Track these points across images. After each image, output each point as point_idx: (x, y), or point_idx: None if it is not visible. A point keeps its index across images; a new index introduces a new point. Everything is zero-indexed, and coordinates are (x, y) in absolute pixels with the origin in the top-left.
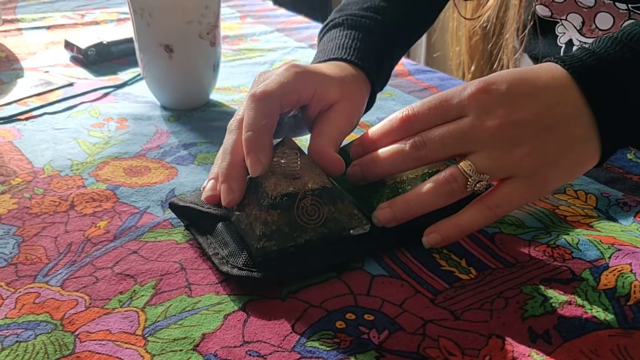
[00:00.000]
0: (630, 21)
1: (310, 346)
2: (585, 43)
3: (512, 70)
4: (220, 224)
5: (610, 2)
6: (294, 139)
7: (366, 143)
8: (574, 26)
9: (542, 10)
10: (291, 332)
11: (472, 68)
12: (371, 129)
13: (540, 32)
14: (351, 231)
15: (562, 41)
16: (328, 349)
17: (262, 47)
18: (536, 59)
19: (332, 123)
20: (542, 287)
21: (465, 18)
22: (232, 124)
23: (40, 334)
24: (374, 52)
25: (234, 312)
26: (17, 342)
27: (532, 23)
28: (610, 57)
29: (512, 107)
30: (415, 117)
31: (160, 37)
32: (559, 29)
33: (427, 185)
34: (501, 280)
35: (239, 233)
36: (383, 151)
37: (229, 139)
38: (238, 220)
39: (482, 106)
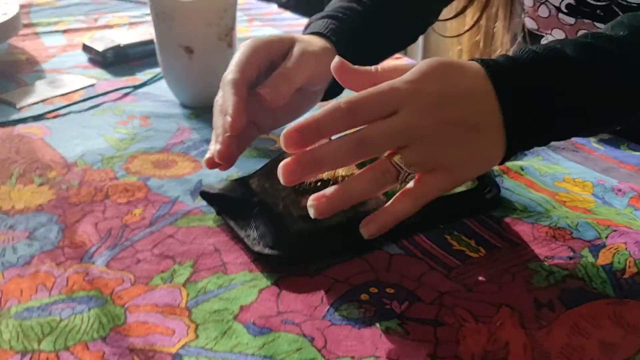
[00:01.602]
0: None
1: (339, 315)
2: None
3: (441, 69)
4: (251, 209)
5: (590, 21)
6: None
7: (308, 133)
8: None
9: (529, 23)
10: (321, 304)
11: None
12: (314, 117)
13: (531, 43)
14: None
15: None
16: (355, 316)
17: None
18: None
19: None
20: (546, 263)
21: (445, 36)
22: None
23: (93, 307)
24: (345, 29)
25: (267, 287)
26: (73, 314)
27: (522, 34)
28: (523, 61)
29: (443, 110)
30: (359, 108)
31: (181, 39)
32: (543, 42)
33: (363, 175)
34: (508, 257)
35: (268, 216)
36: (326, 147)
37: (217, 120)
38: (275, 204)
39: (417, 105)
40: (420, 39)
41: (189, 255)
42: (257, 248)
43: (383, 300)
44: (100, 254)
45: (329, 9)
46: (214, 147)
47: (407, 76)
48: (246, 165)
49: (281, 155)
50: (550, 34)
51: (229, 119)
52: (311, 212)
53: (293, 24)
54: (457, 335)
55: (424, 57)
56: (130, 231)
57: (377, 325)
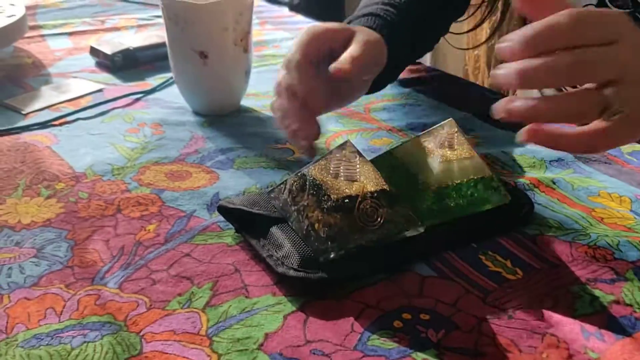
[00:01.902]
0: None
1: (371, 345)
2: None
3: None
4: (273, 227)
5: None
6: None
7: (533, 40)
8: None
9: None
10: (351, 332)
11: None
12: (532, 26)
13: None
14: (406, 233)
15: None
16: (389, 347)
17: (285, 54)
18: None
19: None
20: (589, 287)
21: (460, 48)
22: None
23: (106, 335)
24: (388, 25)
25: (292, 312)
26: (84, 342)
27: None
28: None
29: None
30: (584, 24)
31: (195, 44)
32: None
33: (565, 97)
34: (548, 280)
35: (292, 235)
36: (540, 60)
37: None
38: (297, 221)
39: (628, 32)
40: None
41: (208, 276)
42: (280, 269)
43: (418, 327)
44: (112, 274)
45: (364, 10)
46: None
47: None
48: (264, 177)
49: (302, 172)
50: None
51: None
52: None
53: (304, 27)
54: None
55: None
56: (144, 249)
57: (414, 355)
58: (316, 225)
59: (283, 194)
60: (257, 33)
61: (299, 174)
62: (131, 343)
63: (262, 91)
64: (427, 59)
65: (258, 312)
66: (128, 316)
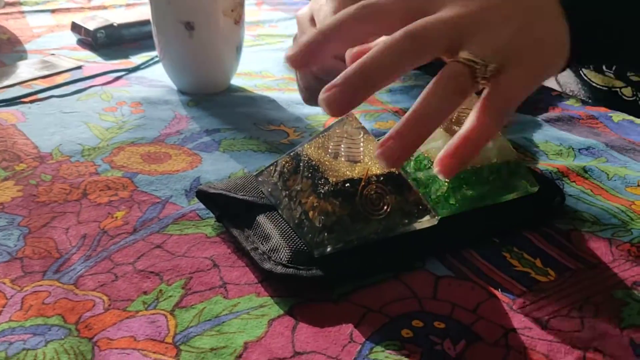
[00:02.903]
0: None
1: (374, 358)
2: None
3: None
4: (260, 216)
5: None
6: None
7: (313, 49)
8: None
9: None
10: (350, 342)
11: None
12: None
13: None
14: (416, 224)
15: None
16: None
17: (282, 33)
18: None
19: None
20: (636, 292)
21: None
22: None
23: (51, 341)
24: None
25: (279, 316)
26: (23, 349)
27: None
28: None
29: None
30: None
31: (181, 14)
32: None
33: (430, 91)
34: (586, 283)
35: (281, 224)
36: (372, 54)
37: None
38: (289, 209)
39: None
40: None
41: (180, 272)
42: (267, 265)
43: (431, 338)
44: (68, 267)
45: None
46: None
47: None
48: (253, 162)
49: (296, 151)
50: None
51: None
52: (382, 163)
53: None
54: None
55: None
56: (108, 239)
57: None
58: (310, 213)
59: (273, 177)
60: (254, 13)
61: (292, 154)
62: (81, 351)
63: (255, 70)
64: None
65: (238, 316)
66: (81, 318)
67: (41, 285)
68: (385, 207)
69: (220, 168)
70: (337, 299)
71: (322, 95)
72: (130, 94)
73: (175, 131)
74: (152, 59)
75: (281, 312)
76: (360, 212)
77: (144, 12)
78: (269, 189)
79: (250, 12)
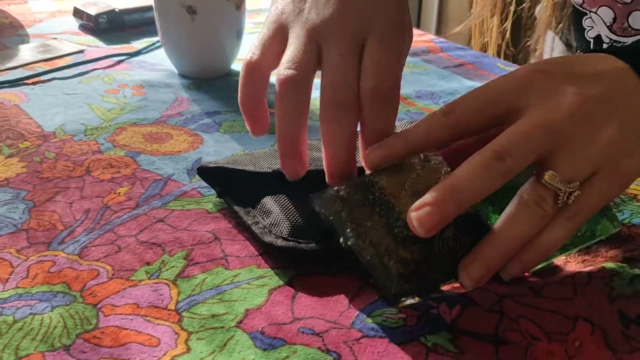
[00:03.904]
0: None
1: (372, 322)
2: (617, 42)
3: (558, 57)
4: (261, 193)
5: None
6: None
7: (394, 148)
8: (603, 21)
9: None
10: (348, 309)
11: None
12: (404, 130)
13: (569, 19)
14: None
15: (590, 35)
16: (394, 325)
17: None
18: (568, 46)
19: None
20: (627, 266)
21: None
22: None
23: (57, 306)
24: None
25: (279, 286)
26: (30, 314)
27: (568, 9)
28: None
29: (581, 84)
30: (462, 115)
31: None
32: (586, 22)
33: (515, 216)
34: (581, 256)
35: (282, 201)
36: (459, 175)
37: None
38: (357, 245)
39: (544, 89)
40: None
41: (182, 243)
42: (268, 238)
43: (428, 302)
44: (72, 239)
45: None
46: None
47: (511, 74)
48: (254, 143)
49: (363, 182)
50: (596, 12)
51: None
52: (465, 283)
53: None
54: (525, 358)
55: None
56: (111, 213)
57: (423, 340)
58: (385, 258)
59: (335, 204)
60: (254, 0)
61: (357, 182)
62: (86, 316)
63: None
64: (432, 26)
65: (239, 286)
66: (85, 286)
67: (46, 256)
68: (461, 251)
69: (221, 149)
70: (336, 272)
71: (412, 212)
72: (132, 77)
73: (177, 113)
74: (153, 44)
75: (281, 282)
76: (437, 257)
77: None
78: (330, 217)
79: (250, 0)
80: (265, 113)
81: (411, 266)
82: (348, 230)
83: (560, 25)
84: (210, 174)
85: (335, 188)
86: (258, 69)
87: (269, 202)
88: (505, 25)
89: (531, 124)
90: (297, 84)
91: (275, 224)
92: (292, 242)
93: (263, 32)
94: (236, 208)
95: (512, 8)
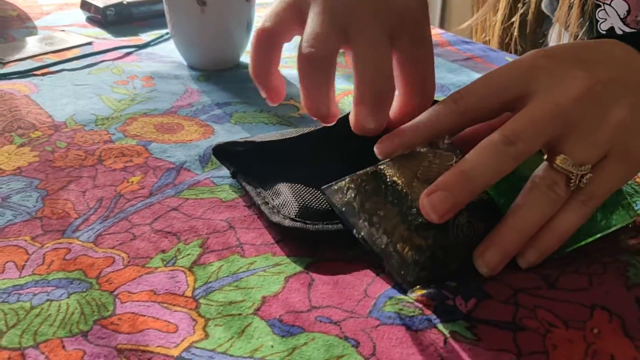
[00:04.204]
0: None
1: (389, 311)
2: None
3: (564, 43)
4: (273, 173)
5: None
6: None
7: (406, 137)
8: (617, 13)
9: None
10: (365, 297)
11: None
12: (414, 120)
13: (582, 11)
14: None
15: (602, 27)
16: (411, 314)
17: None
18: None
19: None
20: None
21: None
22: None
23: (73, 293)
24: None
25: (295, 274)
26: (47, 300)
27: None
28: None
29: (589, 67)
30: (471, 101)
31: None
32: (599, 14)
33: (528, 200)
34: (593, 249)
35: (292, 182)
36: (471, 160)
37: None
38: (370, 235)
39: (552, 72)
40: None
41: (197, 232)
42: (275, 218)
43: (444, 293)
44: (87, 227)
45: None
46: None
47: (518, 60)
48: (266, 133)
49: (376, 168)
50: (610, 4)
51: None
52: (482, 271)
53: None
54: (544, 345)
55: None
56: (125, 202)
57: (440, 327)
58: (399, 246)
59: (346, 195)
60: None
61: (369, 172)
62: (103, 303)
63: None
64: (435, 20)
65: (255, 273)
66: (101, 273)
67: (61, 243)
68: (476, 236)
69: (232, 139)
70: (352, 259)
71: (424, 198)
72: (141, 68)
73: (187, 104)
74: (161, 36)
75: (297, 270)
76: (452, 243)
77: None
78: (343, 208)
79: None
80: (279, 81)
81: (426, 253)
82: (361, 220)
83: (579, 21)
84: (225, 153)
85: (347, 179)
86: (270, 36)
87: (279, 183)
88: (513, 19)
89: (540, 109)
90: (319, 63)
91: (284, 204)
92: (299, 223)
93: (275, 3)
94: (248, 188)
95: (520, 5)
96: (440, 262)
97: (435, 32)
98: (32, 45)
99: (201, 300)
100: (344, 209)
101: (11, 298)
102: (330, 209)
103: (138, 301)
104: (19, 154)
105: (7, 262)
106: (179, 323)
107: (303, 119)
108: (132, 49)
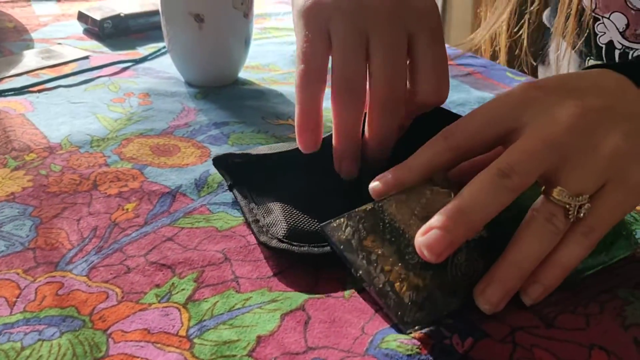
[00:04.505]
0: None
1: (386, 348)
2: (629, 48)
3: (555, 75)
4: (268, 190)
5: None
6: None
7: (395, 180)
8: (616, 27)
9: (587, 0)
10: (362, 334)
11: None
12: (414, 161)
13: (579, 21)
14: None
15: (602, 41)
16: (408, 352)
17: (288, 27)
18: (578, 53)
19: None
20: (638, 292)
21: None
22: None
23: (66, 332)
24: None
25: (291, 311)
26: (39, 340)
27: (586, 18)
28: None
29: (580, 96)
30: (463, 137)
31: (191, 5)
32: (598, 27)
33: (527, 234)
34: (592, 281)
35: (289, 197)
36: (467, 196)
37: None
38: (367, 273)
39: (543, 105)
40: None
41: (192, 265)
42: (263, 238)
43: (441, 330)
44: (80, 258)
45: None
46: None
47: (508, 93)
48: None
49: (372, 209)
50: (608, 18)
51: None
52: (483, 308)
53: None
54: None
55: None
56: (120, 231)
57: None
58: (397, 285)
59: (344, 232)
60: (260, 5)
61: (367, 209)
62: (95, 343)
63: (262, 63)
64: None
65: (250, 310)
66: (94, 310)
67: (54, 277)
68: (475, 274)
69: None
70: (349, 297)
71: (419, 237)
72: (138, 85)
73: (184, 123)
74: (158, 50)
75: (293, 306)
76: (450, 283)
77: (150, 3)
78: (341, 246)
79: (257, 4)
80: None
81: (423, 293)
82: (359, 258)
83: (576, 31)
84: (224, 164)
85: (346, 216)
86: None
87: (272, 199)
88: (520, 32)
89: (533, 140)
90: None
91: (273, 224)
92: (285, 244)
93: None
94: (242, 203)
95: (527, 16)
96: (438, 302)
97: None
98: (29, 59)
99: (195, 340)
100: (342, 247)
101: (1, 338)
102: (318, 230)
103: (132, 341)
104: (12, 178)
105: None
106: None
107: None
108: (129, 64)
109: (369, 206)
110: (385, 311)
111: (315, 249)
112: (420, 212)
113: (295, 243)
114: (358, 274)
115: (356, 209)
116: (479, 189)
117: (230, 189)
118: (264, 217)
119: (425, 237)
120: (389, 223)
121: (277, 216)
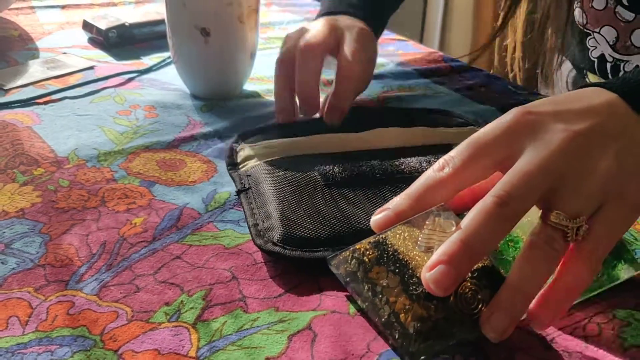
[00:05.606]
0: None
1: None
2: (620, 60)
3: (546, 98)
4: (275, 192)
5: None
6: None
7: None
8: (606, 41)
9: (578, 16)
10: (367, 352)
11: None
12: (412, 193)
13: (575, 39)
14: None
15: (593, 55)
16: None
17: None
18: (576, 67)
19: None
20: (637, 313)
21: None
22: None
23: (77, 351)
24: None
25: (298, 331)
26: None
27: (568, 27)
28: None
29: (567, 120)
30: (458, 168)
31: (197, 19)
32: (590, 42)
33: (528, 259)
34: (590, 302)
35: (284, 205)
36: (468, 229)
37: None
38: (373, 305)
39: (534, 129)
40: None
41: (200, 283)
42: (258, 241)
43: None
44: (90, 276)
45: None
46: None
47: (500, 120)
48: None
49: (377, 241)
50: (599, 32)
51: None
52: (489, 336)
53: (313, 10)
54: None
55: (440, 41)
56: (129, 247)
57: None
58: (402, 316)
59: (350, 264)
60: (263, 14)
61: (372, 242)
62: None
63: (267, 75)
64: (435, 42)
65: (258, 331)
66: (105, 329)
67: (65, 295)
68: (480, 305)
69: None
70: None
71: (425, 273)
72: (143, 97)
73: (190, 136)
74: (163, 60)
75: (300, 326)
76: (455, 313)
77: (154, 12)
78: (347, 278)
79: (260, 14)
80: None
81: (428, 323)
82: (365, 290)
83: (573, 46)
84: (236, 167)
85: (351, 248)
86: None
87: (273, 204)
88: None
89: (527, 166)
90: None
91: (270, 228)
92: (278, 248)
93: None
94: (245, 207)
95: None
96: (443, 332)
97: (437, 56)
98: (34, 69)
99: None
100: (348, 279)
101: (15, 358)
102: (311, 236)
103: None
104: (21, 194)
105: (10, 316)
106: None
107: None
108: (134, 75)
109: (373, 238)
110: (391, 342)
111: (306, 253)
112: (422, 243)
113: (287, 247)
114: (365, 306)
115: (361, 241)
116: (479, 219)
117: (237, 194)
118: (263, 222)
119: (432, 272)
120: (392, 254)
121: (274, 221)
